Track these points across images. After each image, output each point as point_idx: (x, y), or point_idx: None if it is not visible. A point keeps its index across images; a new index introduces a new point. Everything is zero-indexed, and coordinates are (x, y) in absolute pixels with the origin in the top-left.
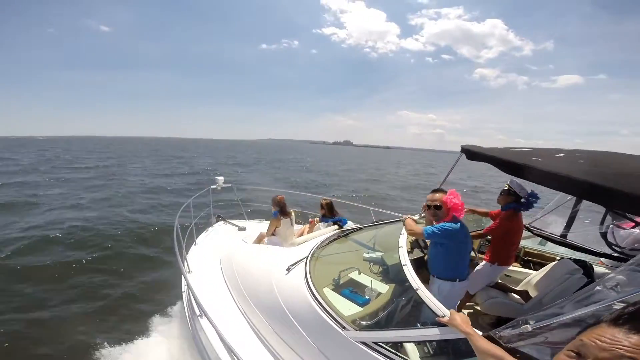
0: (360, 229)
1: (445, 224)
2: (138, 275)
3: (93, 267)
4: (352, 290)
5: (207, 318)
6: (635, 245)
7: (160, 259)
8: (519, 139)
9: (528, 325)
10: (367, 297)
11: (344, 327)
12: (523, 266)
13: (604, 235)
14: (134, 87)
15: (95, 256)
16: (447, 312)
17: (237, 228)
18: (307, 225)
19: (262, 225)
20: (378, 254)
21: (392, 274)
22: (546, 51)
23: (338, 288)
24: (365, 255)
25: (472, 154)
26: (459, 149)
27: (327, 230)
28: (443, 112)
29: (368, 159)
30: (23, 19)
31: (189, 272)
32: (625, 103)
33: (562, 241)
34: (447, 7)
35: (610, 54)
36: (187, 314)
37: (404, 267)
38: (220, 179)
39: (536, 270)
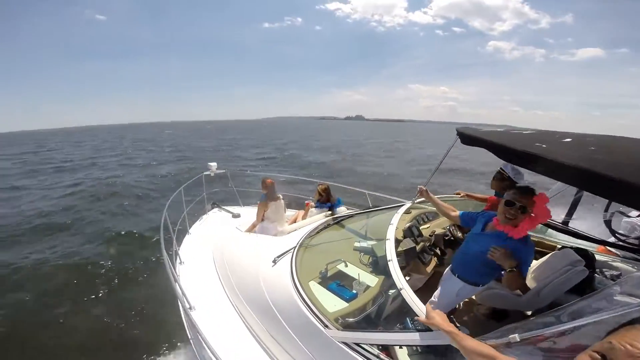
0: (352, 215)
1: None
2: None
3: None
4: (339, 284)
5: (193, 312)
6: None
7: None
8: (535, 110)
9: (516, 335)
10: (354, 291)
11: (327, 326)
12: None
13: (608, 223)
14: (135, 74)
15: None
16: (423, 307)
17: (231, 215)
18: (302, 211)
19: None
20: (369, 243)
21: (381, 265)
22: (565, 24)
23: (325, 281)
24: (357, 244)
25: (467, 137)
26: (470, 121)
27: (319, 217)
28: (455, 84)
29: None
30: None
31: (181, 263)
32: None
33: (563, 228)
34: None
35: (630, 28)
36: (180, 308)
37: (389, 262)
38: (214, 164)
39: (536, 259)
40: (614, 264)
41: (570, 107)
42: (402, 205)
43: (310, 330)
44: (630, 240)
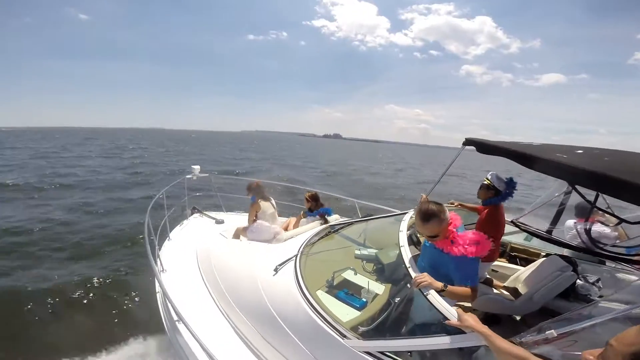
0: (351, 223)
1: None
2: (108, 280)
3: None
4: (348, 293)
5: (185, 323)
6: (617, 241)
7: (133, 260)
8: (502, 135)
9: (552, 331)
10: (364, 299)
11: (345, 336)
12: (510, 262)
13: (588, 232)
14: (114, 77)
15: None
16: (454, 311)
17: (214, 221)
18: (292, 219)
19: (242, 218)
20: (371, 251)
21: (388, 272)
22: (533, 49)
23: (332, 290)
24: (357, 252)
25: (485, 147)
26: (443, 144)
27: (314, 225)
28: (429, 107)
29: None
30: None
31: (162, 271)
32: (603, 102)
33: (547, 237)
34: (437, 3)
35: (592, 55)
36: (163, 319)
37: (409, 269)
38: (197, 167)
39: (522, 266)
40: (594, 269)
41: (533, 132)
42: (406, 213)
43: (325, 341)
44: (608, 248)
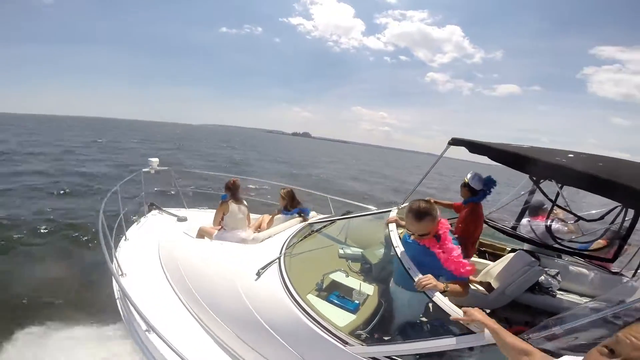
0: (333, 221)
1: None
2: (51, 283)
3: None
4: (340, 295)
5: (158, 334)
6: (572, 237)
7: (80, 261)
8: None
9: (559, 327)
10: (356, 301)
11: (347, 343)
12: (479, 257)
13: (548, 228)
14: (69, 62)
15: None
16: (459, 310)
17: (176, 218)
18: (266, 216)
19: (206, 215)
20: (355, 250)
21: (376, 272)
22: (494, 60)
23: (322, 293)
24: (341, 251)
25: (473, 147)
26: (404, 148)
27: (292, 223)
28: (393, 110)
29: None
30: None
31: (122, 275)
32: (550, 114)
33: (512, 233)
34: (412, 10)
35: (547, 67)
36: (128, 328)
37: (409, 270)
38: (155, 160)
39: (491, 260)
40: (554, 262)
41: (485, 139)
42: (389, 211)
43: (326, 349)
44: (565, 243)
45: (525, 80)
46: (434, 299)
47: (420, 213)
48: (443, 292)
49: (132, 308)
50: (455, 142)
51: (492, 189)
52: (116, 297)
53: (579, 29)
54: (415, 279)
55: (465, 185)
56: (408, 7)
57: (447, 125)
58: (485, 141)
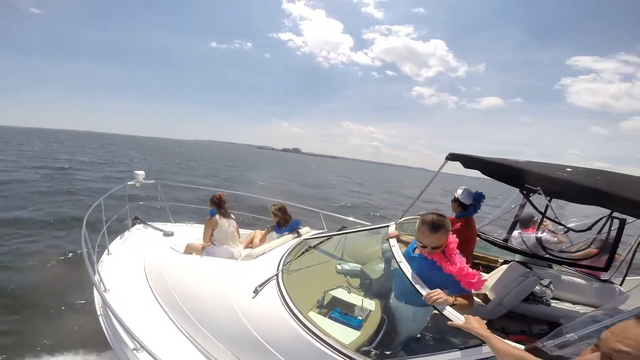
0: (329, 237)
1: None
2: (25, 300)
3: None
4: (342, 312)
5: (149, 352)
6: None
7: (57, 276)
8: (442, 155)
9: (573, 334)
10: (359, 317)
11: None
12: (472, 269)
13: (539, 240)
14: (56, 75)
15: None
16: (461, 317)
17: (162, 233)
18: (257, 231)
19: (194, 230)
20: (354, 266)
21: (376, 287)
22: (477, 73)
23: (324, 310)
24: (339, 267)
25: (470, 162)
26: (393, 162)
27: (286, 239)
28: (381, 125)
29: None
30: None
31: (105, 290)
32: (532, 125)
33: (504, 245)
34: (398, 25)
35: (527, 79)
36: (115, 350)
37: (416, 285)
38: (141, 173)
39: (485, 272)
40: (546, 272)
41: (469, 153)
42: (386, 226)
43: None
44: (555, 253)
45: (507, 92)
46: (445, 312)
47: (435, 225)
48: (452, 306)
49: (117, 325)
50: (453, 157)
51: (481, 203)
52: (98, 313)
53: (555, 41)
54: (424, 293)
55: (456, 201)
56: (394, 22)
57: (433, 139)
58: (480, 156)
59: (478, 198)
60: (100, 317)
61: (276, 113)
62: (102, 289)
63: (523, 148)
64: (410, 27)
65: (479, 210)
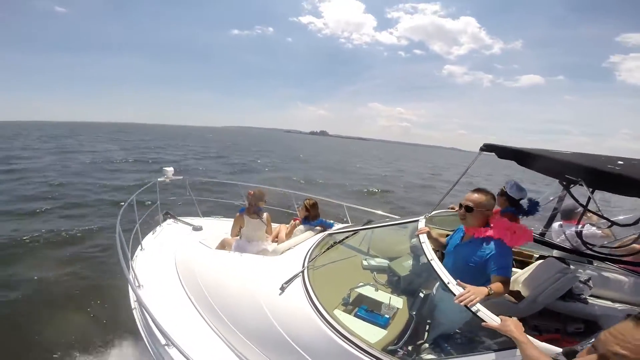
0: (356, 232)
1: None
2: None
3: None
4: (368, 309)
5: (178, 349)
6: (605, 242)
7: (93, 271)
8: (477, 134)
9: None
10: (386, 315)
11: None
12: None
13: (580, 234)
14: (92, 71)
15: None
16: (497, 318)
17: (191, 227)
18: (283, 226)
19: (222, 224)
20: (381, 261)
21: (404, 284)
22: (514, 50)
23: (350, 308)
24: (365, 262)
25: (505, 152)
26: (423, 142)
27: (311, 234)
28: (410, 105)
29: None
30: None
31: (139, 286)
32: (578, 104)
33: (541, 240)
34: (424, 2)
35: (570, 56)
36: (147, 344)
37: (448, 285)
38: (170, 170)
39: (519, 268)
40: (585, 268)
41: (509, 132)
42: (416, 220)
43: None
44: (596, 249)
45: (548, 70)
46: (479, 314)
47: (480, 189)
48: (488, 296)
49: (150, 321)
50: (487, 148)
51: (537, 211)
52: (132, 307)
53: (599, 17)
54: (456, 294)
55: (503, 194)
56: (419, 0)
57: (466, 118)
58: (517, 147)
59: (532, 205)
60: (134, 312)
61: (301, 97)
62: (136, 285)
63: (568, 127)
64: (436, 4)
65: (529, 216)
